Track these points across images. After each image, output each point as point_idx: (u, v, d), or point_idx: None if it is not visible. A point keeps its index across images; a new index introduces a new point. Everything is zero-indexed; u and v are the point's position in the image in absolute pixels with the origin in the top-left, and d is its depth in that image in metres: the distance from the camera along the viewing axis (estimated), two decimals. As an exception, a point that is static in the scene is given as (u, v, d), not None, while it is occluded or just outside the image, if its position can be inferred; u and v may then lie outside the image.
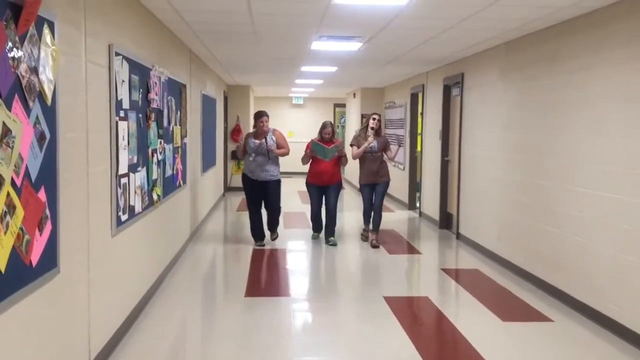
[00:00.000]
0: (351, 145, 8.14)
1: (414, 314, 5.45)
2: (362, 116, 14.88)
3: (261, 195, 7.74)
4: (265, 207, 7.86)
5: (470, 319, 5.27)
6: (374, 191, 8.01)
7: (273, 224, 8.07)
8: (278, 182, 7.77)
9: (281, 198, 8.01)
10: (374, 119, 8.01)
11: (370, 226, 8.14)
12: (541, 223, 6.02)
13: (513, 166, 6.78)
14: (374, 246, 7.91)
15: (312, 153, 7.83)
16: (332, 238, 8.08)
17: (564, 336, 4.75)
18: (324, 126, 8.10)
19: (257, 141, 7.58)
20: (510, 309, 5.41)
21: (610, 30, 4.88)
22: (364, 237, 8.32)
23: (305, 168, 8.24)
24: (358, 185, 8.47)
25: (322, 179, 7.98)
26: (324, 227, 8.26)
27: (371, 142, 7.88)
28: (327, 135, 8.01)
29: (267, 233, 8.08)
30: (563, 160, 5.58)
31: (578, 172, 5.33)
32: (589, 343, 4.61)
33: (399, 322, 4.96)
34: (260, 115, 7.68)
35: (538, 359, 4.31)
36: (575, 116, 5.40)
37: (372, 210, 8.06)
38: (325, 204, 8.11)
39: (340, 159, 8.02)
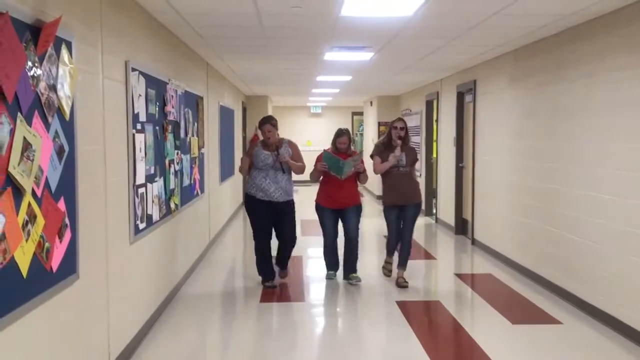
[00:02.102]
0: (371, 156, 6.50)
1: (425, 318, 5.55)
2: (380, 124, 15.04)
3: (273, 221, 6.22)
4: (278, 237, 6.35)
5: (480, 322, 5.36)
6: (401, 216, 6.37)
7: (285, 259, 6.46)
8: (293, 203, 6.30)
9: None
10: (395, 127, 6.30)
11: (396, 260, 6.54)
12: (552, 227, 6.10)
13: (524, 171, 6.87)
14: (402, 286, 6.25)
15: (324, 168, 6.24)
16: (354, 275, 6.45)
17: (572, 338, 4.83)
18: (338, 134, 6.40)
19: (267, 152, 6.10)
20: (520, 312, 5.50)
21: (614, 37, 4.96)
22: (387, 272, 6.67)
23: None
24: (377, 199, 7.30)
25: (336, 200, 6.37)
26: (342, 262, 6.62)
27: (399, 155, 6.24)
28: (343, 146, 6.34)
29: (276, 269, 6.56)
30: (572, 165, 5.66)
31: (586, 176, 5.40)
32: (596, 345, 4.68)
33: (410, 325, 5.07)
34: (263, 123, 6.13)
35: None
36: (581, 122, 5.48)
37: (399, 240, 6.45)
38: (344, 230, 6.48)
39: (359, 176, 6.42)
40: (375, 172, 6.45)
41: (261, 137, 6.21)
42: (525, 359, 4.44)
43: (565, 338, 4.83)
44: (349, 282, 6.41)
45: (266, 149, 6.13)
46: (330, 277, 6.64)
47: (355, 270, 6.50)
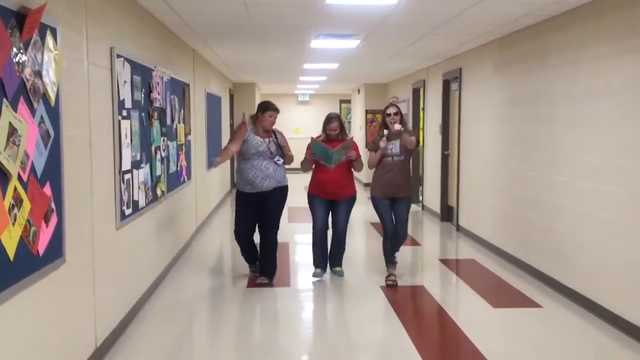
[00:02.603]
0: (369, 149, 6.07)
1: (408, 302, 5.65)
2: (367, 112, 15.09)
3: (259, 212, 5.83)
4: (260, 228, 5.96)
5: (463, 305, 5.47)
6: (392, 208, 5.90)
7: (268, 262, 5.96)
8: (285, 189, 5.94)
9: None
10: (388, 114, 5.80)
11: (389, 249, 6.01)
12: (532, 213, 6.20)
13: (507, 159, 6.96)
14: (390, 284, 5.83)
15: (313, 157, 5.88)
16: (338, 268, 6.26)
17: (551, 321, 4.94)
18: (328, 120, 6.00)
19: (259, 139, 5.74)
20: (501, 296, 5.61)
21: (594, 26, 5.04)
22: (392, 282, 5.86)
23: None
24: (365, 187, 6.57)
25: (327, 190, 5.98)
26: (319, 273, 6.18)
27: (384, 145, 5.76)
28: (334, 132, 5.94)
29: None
30: (553, 152, 5.75)
31: (564, 163, 5.50)
32: (575, 327, 4.79)
33: (393, 310, 5.16)
34: (266, 108, 5.80)
35: (525, 342, 4.50)
36: (563, 109, 5.57)
37: (395, 229, 5.91)
38: (332, 222, 6.15)
39: (353, 164, 6.00)
40: (369, 166, 5.99)
41: (249, 126, 5.81)
42: (505, 341, 4.55)
43: (545, 321, 4.94)
44: (332, 272, 6.29)
45: (259, 136, 5.76)
46: (317, 276, 6.13)
47: (339, 264, 6.29)
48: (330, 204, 6.06)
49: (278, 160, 5.76)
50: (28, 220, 2.87)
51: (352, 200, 6.14)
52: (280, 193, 5.86)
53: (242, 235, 5.96)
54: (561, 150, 5.58)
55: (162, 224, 6.03)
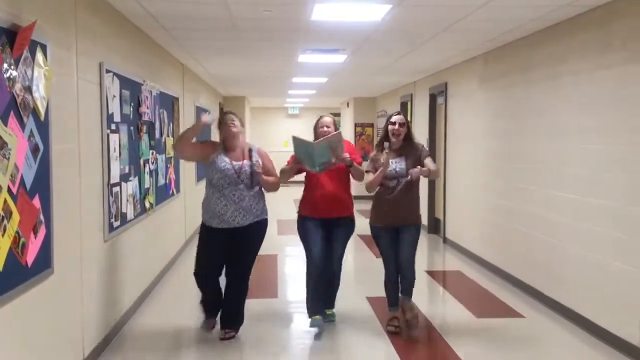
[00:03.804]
0: (367, 171, 4.87)
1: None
2: (356, 125, 15.22)
3: (228, 251, 4.67)
4: (226, 274, 4.77)
5: (447, 316, 5.55)
6: (396, 241, 4.83)
7: (235, 312, 4.79)
8: (264, 224, 4.75)
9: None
10: (392, 122, 4.81)
11: (399, 293, 4.95)
12: (516, 225, 6.31)
13: (492, 171, 7.08)
14: (392, 331, 4.87)
15: (298, 163, 4.69)
16: (329, 311, 5.09)
17: (534, 331, 5.02)
18: (319, 124, 4.91)
19: (229, 160, 4.58)
20: (485, 307, 5.70)
21: (574, 42, 5.18)
22: (394, 328, 4.87)
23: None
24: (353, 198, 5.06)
25: (317, 207, 4.83)
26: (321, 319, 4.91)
27: (385, 162, 4.64)
28: (326, 129, 4.81)
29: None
30: (537, 165, 5.87)
31: (547, 176, 5.62)
32: (557, 337, 4.87)
33: (378, 320, 5.23)
34: (223, 118, 4.78)
35: (507, 352, 4.58)
36: (546, 123, 5.69)
37: (398, 272, 4.87)
38: (328, 257, 4.88)
39: (351, 172, 4.79)
40: (367, 190, 4.86)
41: (219, 146, 4.72)
42: (487, 351, 4.62)
43: (527, 331, 5.03)
44: (323, 318, 4.95)
45: (229, 156, 4.61)
46: (315, 325, 4.86)
47: (331, 305, 5.14)
48: (325, 228, 4.85)
49: (244, 189, 4.55)
50: (17, 232, 2.94)
51: (349, 225, 4.96)
52: (258, 229, 4.66)
53: (204, 278, 4.77)
54: (544, 163, 5.70)
55: (151, 236, 6.09)
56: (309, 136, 4.82)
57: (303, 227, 4.91)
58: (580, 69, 5.05)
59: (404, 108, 12.02)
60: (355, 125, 15.25)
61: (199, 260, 4.76)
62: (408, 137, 4.87)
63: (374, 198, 4.96)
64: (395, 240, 4.82)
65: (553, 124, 5.54)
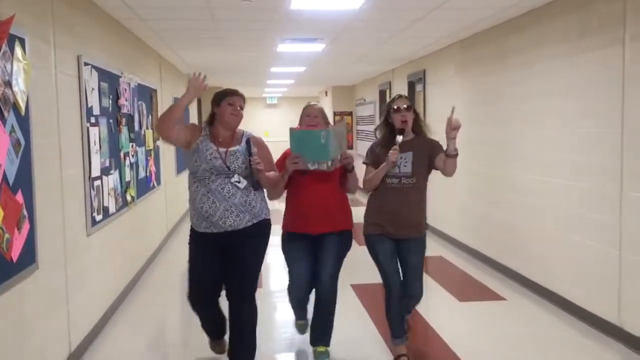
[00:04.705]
0: (365, 163, 3.98)
1: (377, 299, 5.76)
2: (335, 114, 15.23)
3: (225, 263, 3.69)
4: (228, 290, 3.72)
5: (430, 300, 5.60)
6: (397, 253, 3.85)
7: (245, 344, 3.75)
8: (265, 225, 3.74)
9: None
10: (397, 109, 3.80)
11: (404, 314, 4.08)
12: (496, 210, 6.39)
13: (471, 157, 7.14)
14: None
15: (296, 161, 3.71)
16: (322, 349, 4.01)
17: (515, 313, 5.12)
18: (306, 107, 3.98)
19: (214, 147, 3.64)
20: (467, 290, 5.78)
21: (547, 29, 5.25)
22: None
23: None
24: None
25: (311, 217, 3.85)
26: (310, 319, 4.14)
27: (394, 158, 3.70)
28: (313, 123, 3.87)
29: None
30: (514, 150, 5.95)
31: (525, 160, 5.70)
32: (538, 318, 4.97)
33: (363, 306, 5.29)
34: (223, 95, 3.76)
35: (489, 334, 4.67)
36: (520, 109, 5.77)
37: (404, 289, 3.90)
38: (316, 274, 3.91)
39: (346, 180, 3.92)
40: (365, 188, 3.91)
41: (204, 131, 3.74)
42: (470, 333, 4.70)
43: (509, 313, 5.12)
44: (314, 357, 4.04)
45: (215, 141, 3.66)
46: (300, 329, 4.42)
47: (326, 342, 4.03)
48: (311, 246, 3.91)
49: (238, 181, 3.60)
50: (1, 228, 2.92)
51: (345, 239, 3.96)
52: (258, 232, 3.69)
53: (199, 301, 3.79)
54: (522, 148, 5.78)
55: (133, 229, 6.07)
56: (286, 126, 4.34)
57: (288, 247, 3.99)
58: (557, 54, 5.12)
59: (382, 96, 12.07)
60: (334, 113, 15.26)
61: (192, 278, 3.76)
62: (417, 123, 3.91)
63: (370, 201, 3.94)
64: (395, 251, 3.85)
65: (529, 109, 5.61)
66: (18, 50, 3.19)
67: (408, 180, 3.81)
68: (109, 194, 5.07)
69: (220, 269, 3.69)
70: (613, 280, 4.40)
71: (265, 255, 3.83)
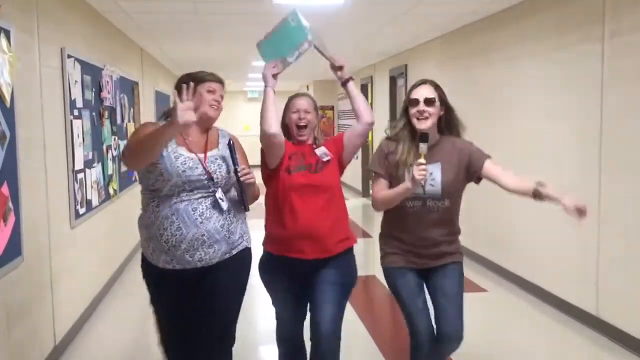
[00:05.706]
0: (372, 170, 3.02)
1: (361, 293, 5.83)
2: (320, 108, 15.22)
3: (194, 307, 2.79)
4: (196, 341, 2.82)
5: (413, 293, 5.68)
6: (427, 284, 2.96)
7: None
8: (245, 257, 2.87)
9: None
10: (414, 101, 2.89)
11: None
12: (477, 203, 6.46)
13: (452, 151, 7.23)
14: None
15: (273, 68, 3.11)
16: None
17: (495, 304, 5.21)
18: (295, 106, 3.23)
19: (186, 152, 2.72)
20: (449, 283, 5.85)
21: (528, 25, 5.32)
22: None
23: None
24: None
25: (303, 243, 2.84)
26: None
27: (422, 176, 2.65)
28: (302, 123, 3.11)
29: None
30: (494, 144, 6.00)
31: (504, 153, 5.76)
32: (518, 309, 5.06)
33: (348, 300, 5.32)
34: (201, 79, 2.86)
35: (470, 324, 4.71)
36: (501, 104, 5.85)
37: (435, 338, 2.91)
38: (311, 322, 2.92)
39: (347, 92, 3.22)
40: (376, 207, 2.94)
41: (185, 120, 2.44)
42: (452, 324, 4.77)
43: (490, 304, 5.21)
44: None
45: (186, 145, 2.74)
46: None
47: None
48: (303, 277, 2.93)
49: (222, 199, 2.71)
50: (-13, 220, 2.92)
51: (349, 272, 3.02)
52: (236, 266, 2.81)
53: (175, 351, 2.88)
54: (504, 143, 5.85)
55: (116, 222, 6.05)
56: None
57: (270, 283, 3.03)
58: (538, 50, 5.19)
59: (364, 90, 12.10)
60: (320, 108, 15.26)
61: (161, 329, 2.92)
62: (449, 123, 3.00)
63: (385, 221, 3.03)
64: (422, 285, 2.94)
65: (511, 104, 5.69)
66: (3, 41, 3.18)
67: (436, 204, 2.83)
68: (92, 187, 5.06)
69: (189, 315, 2.76)
70: (591, 272, 4.50)
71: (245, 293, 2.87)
